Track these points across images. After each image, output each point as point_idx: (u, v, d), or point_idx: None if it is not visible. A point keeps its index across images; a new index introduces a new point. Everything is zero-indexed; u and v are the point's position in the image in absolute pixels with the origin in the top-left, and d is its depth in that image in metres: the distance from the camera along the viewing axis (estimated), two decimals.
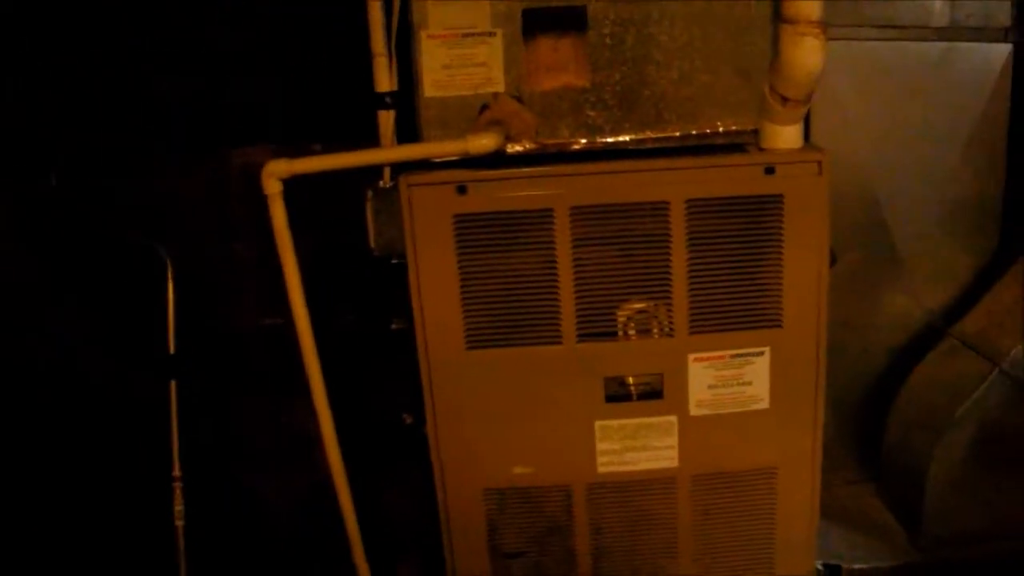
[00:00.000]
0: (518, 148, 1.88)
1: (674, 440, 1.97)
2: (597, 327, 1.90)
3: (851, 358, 2.42)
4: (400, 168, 1.88)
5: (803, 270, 1.89)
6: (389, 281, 1.95)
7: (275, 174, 1.88)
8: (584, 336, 1.90)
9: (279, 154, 1.89)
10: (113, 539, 2.35)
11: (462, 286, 1.87)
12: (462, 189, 1.84)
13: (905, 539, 2.33)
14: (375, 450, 2.21)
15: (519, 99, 1.86)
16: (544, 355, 1.91)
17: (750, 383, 1.95)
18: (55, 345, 2.32)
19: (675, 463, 1.99)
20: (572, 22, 1.83)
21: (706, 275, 1.88)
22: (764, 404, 1.97)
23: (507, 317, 1.89)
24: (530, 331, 1.90)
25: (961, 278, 2.44)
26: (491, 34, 1.81)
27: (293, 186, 1.90)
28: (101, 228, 2.28)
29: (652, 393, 1.95)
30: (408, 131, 1.92)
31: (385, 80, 1.93)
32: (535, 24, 1.82)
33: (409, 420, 2.04)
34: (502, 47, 1.83)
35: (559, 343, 1.90)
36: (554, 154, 1.88)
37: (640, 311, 1.90)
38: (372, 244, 1.93)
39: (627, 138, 1.89)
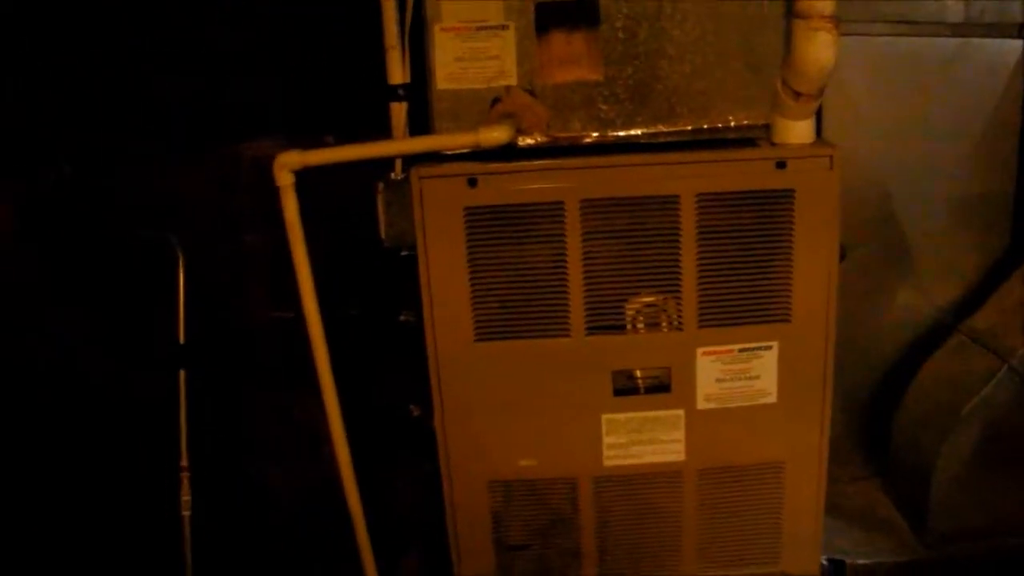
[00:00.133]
0: (530, 141, 1.88)
1: (681, 434, 1.98)
2: (606, 320, 1.90)
3: (860, 353, 2.42)
4: (412, 160, 1.88)
5: (813, 265, 1.89)
6: (399, 273, 1.95)
7: (287, 165, 1.88)
8: (593, 329, 1.90)
9: (291, 147, 1.89)
10: (121, 531, 2.37)
11: (471, 278, 1.87)
12: (473, 182, 1.84)
13: (911, 536, 2.33)
14: (382, 442, 2.21)
15: (531, 92, 1.86)
16: (552, 348, 1.91)
17: (758, 377, 1.95)
18: (60, 342, 2.33)
19: (682, 457, 1.99)
20: (585, 16, 1.83)
21: (715, 269, 1.88)
22: (772, 399, 1.97)
23: (516, 310, 1.90)
24: (539, 324, 1.90)
25: (971, 275, 2.43)
26: (504, 27, 1.81)
27: (305, 178, 1.90)
28: (110, 223, 2.29)
29: (660, 387, 1.95)
30: (420, 124, 1.92)
31: (398, 72, 1.92)
32: (548, 18, 1.82)
33: (417, 412, 2.04)
34: (515, 40, 1.83)
35: (568, 336, 1.90)
36: (566, 147, 1.88)
37: (649, 305, 1.90)
38: (383, 236, 1.93)
39: (639, 132, 1.89)
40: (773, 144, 1.87)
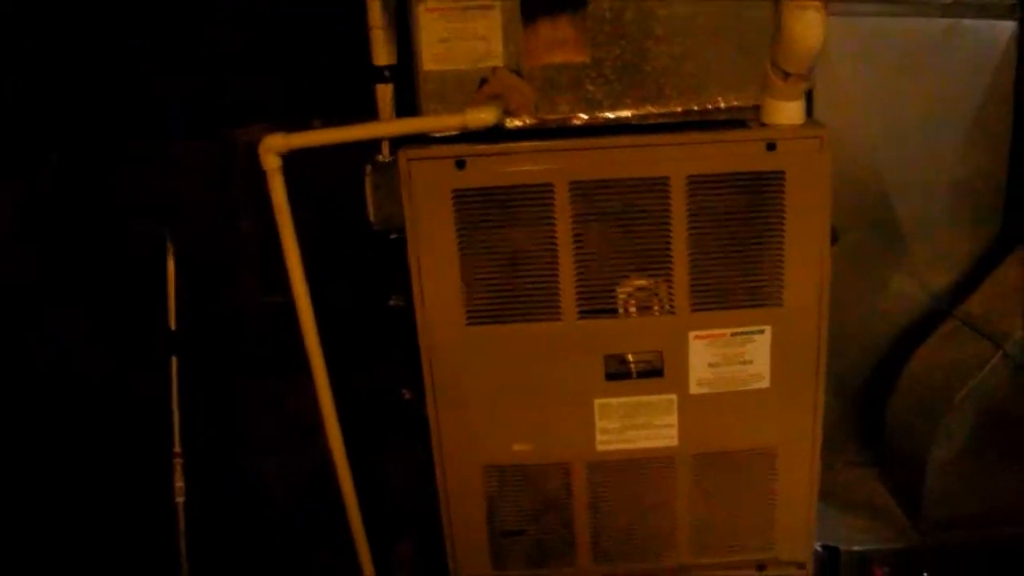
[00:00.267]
0: (517, 123, 1.87)
1: (674, 419, 1.97)
2: (597, 304, 1.89)
3: (853, 339, 2.40)
4: (399, 143, 1.87)
5: (804, 248, 1.88)
6: (388, 256, 1.94)
7: (273, 149, 1.87)
8: (584, 313, 1.89)
9: (278, 131, 1.88)
10: (120, 527, 2.36)
11: (461, 261, 1.86)
12: (461, 164, 1.83)
13: (905, 522, 2.32)
14: (375, 428, 2.21)
15: (518, 73, 1.84)
16: (544, 332, 1.90)
17: (751, 362, 1.94)
18: (59, 342, 2.33)
19: (675, 442, 1.98)
20: None
21: (707, 252, 1.87)
22: (765, 383, 1.96)
23: (507, 293, 1.88)
24: (530, 307, 1.89)
25: (964, 259, 2.41)
26: (490, 7, 1.80)
27: (294, 162, 1.89)
28: (102, 216, 2.28)
29: (652, 371, 1.94)
30: (407, 106, 1.91)
31: (383, 54, 1.91)
32: None
33: (408, 395, 2.03)
34: (501, 20, 1.81)
35: (559, 320, 1.89)
36: (554, 129, 1.87)
37: (641, 288, 1.89)
38: (371, 219, 1.92)
39: (628, 113, 1.87)
40: (763, 125, 1.86)
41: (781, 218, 1.86)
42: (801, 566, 2.14)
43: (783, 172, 1.84)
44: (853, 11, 2.17)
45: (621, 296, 1.90)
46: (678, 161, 1.83)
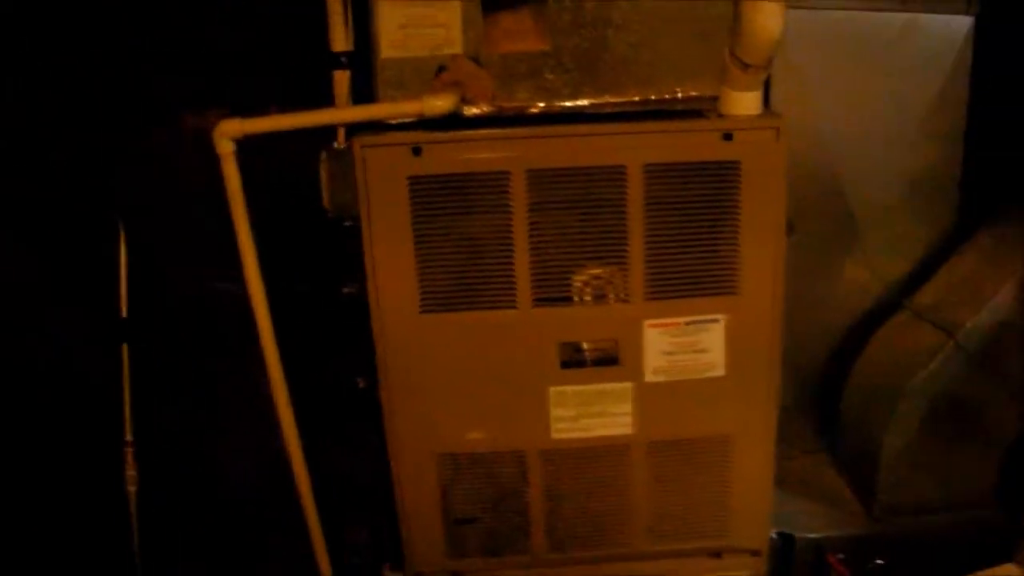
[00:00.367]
0: (475, 111, 1.86)
1: (629, 407, 1.97)
2: (553, 292, 1.89)
3: (808, 329, 2.43)
4: (356, 130, 1.86)
5: (760, 238, 1.88)
6: (343, 244, 1.93)
7: (227, 134, 1.85)
8: (539, 301, 1.89)
9: (235, 116, 1.86)
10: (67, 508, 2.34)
11: (416, 249, 1.85)
12: (417, 151, 1.81)
13: (859, 509, 2.35)
14: (330, 414, 2.20)
15: (477, 61, 1.84)
16: (499, 320, 1.90)
17: (706, 350, 1.94)
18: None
19: (630, 430, 1.99)
20: None
21: (663, 241, 1.87)
22: (720, 371, 1.96)
23: (462, 281, 1.87)
24: (485, 295, 1.88)
25: (919, 250, 2.45)
26: None
27: (250, 148, 1.87)
28: (52, 199, 2.25)
29: (607, 359, 1.94)
30: (366, 95, 1.89)
31: (341, 40, 1.89)
32: None
33: (363, 384, 2.02)
34: (461, 8, 1.81)
35: (514, 308, 1.89)
36: (512, 117, 1.87)
37: (596, 276, 1.89)
38: (326, 206, 1.90)
39: (586, 102, 1.88)
40: (721, 115, 1.86)
41: (737, 207, 1.86)
42: (756, 553, 2.15)
43: (739, 162, 1.84)
44: (813, 4, 2.19)
45: (577, 284, 1.89)
46: (635, 150, 1.82)
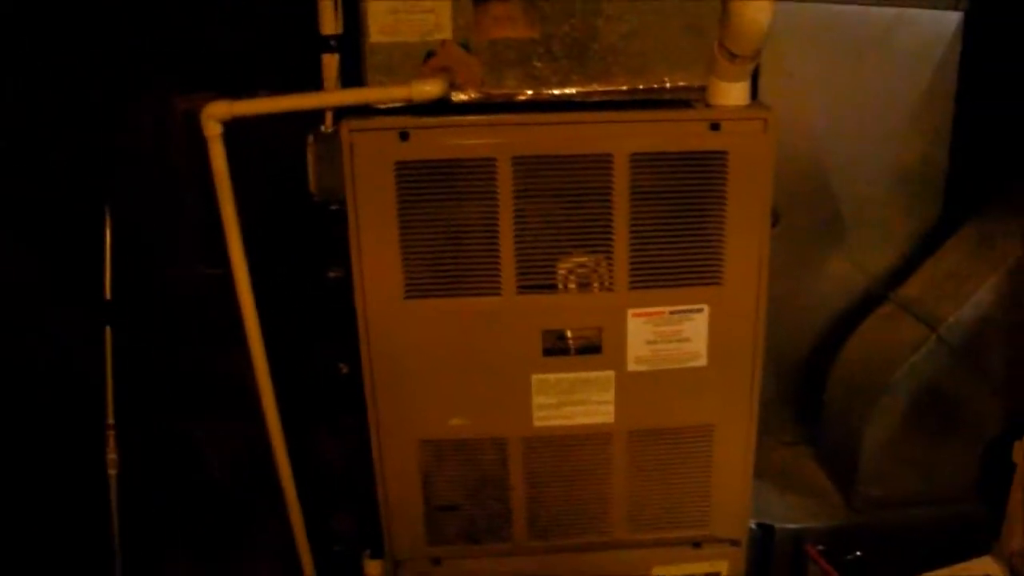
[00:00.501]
0: (463, 97, 1.86)
1: (611, 395, 1.97)
2: (537, 280, 1.89)
3: (792, 320, 2.43)
4: (344, 114, 1.85)
5: (745, 228, 1.89)
6: (329, 228, 1.92)
7: (215, 116, 1.84)
8: (523, 288, 1.89)
9: (223, 99, 1.86)
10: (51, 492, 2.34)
11: (402, 234, 1.85)
12: (405, 136, 1.81)
13: (840, 501, 2.36)
14: (315, 400, 2.19)
15: (466, 48, 1.83)
16: (483, 306, 1.90)
17: (688, 340, 1.95)
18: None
19: (612, 418, 1.99)
20: None
21: (648, 230, 1.87)
22: (702, 361, 1.97)
23: (446, 267, 1.87)
24: (469, 282, 1.88)
25: (904, 244, 2.45)
26: None
27: (238, 132, 1.87)
28: (38, 183, 2.24)
29: (590, 348, 1.94)
30: (355, 80, 1.89)
31: (330, 23, 1.88)
32: None
33: (346, 370, 2.02)
34: None
35: (498, 295, 1.89)
36: (500, 104, 1.86)
37: (581, 265, 1.89)
38: (313, 189, 1.90)
39: (574, 91, 1.87)
40: (708, 106, 1.86)
41: (723, 198, 1.86)
42: (736, 543, 2.16)
43: (726, 152, 1.84)
44: None
45: (561, 272, 1.89)
46: (622, 139, 1.83)
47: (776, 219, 1.94)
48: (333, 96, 1.89)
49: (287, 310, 2.10)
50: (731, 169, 1.85)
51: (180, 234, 2.29)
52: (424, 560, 2.11)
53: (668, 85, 1.88)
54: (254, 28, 2.16)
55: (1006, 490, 2.25)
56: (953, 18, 2.31)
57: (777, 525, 2.28)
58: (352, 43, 1.88)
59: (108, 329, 2.22)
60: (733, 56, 1.78)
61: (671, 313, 1.93)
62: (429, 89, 1.79)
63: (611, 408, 1.98)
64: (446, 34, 1.83)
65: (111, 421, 2.23)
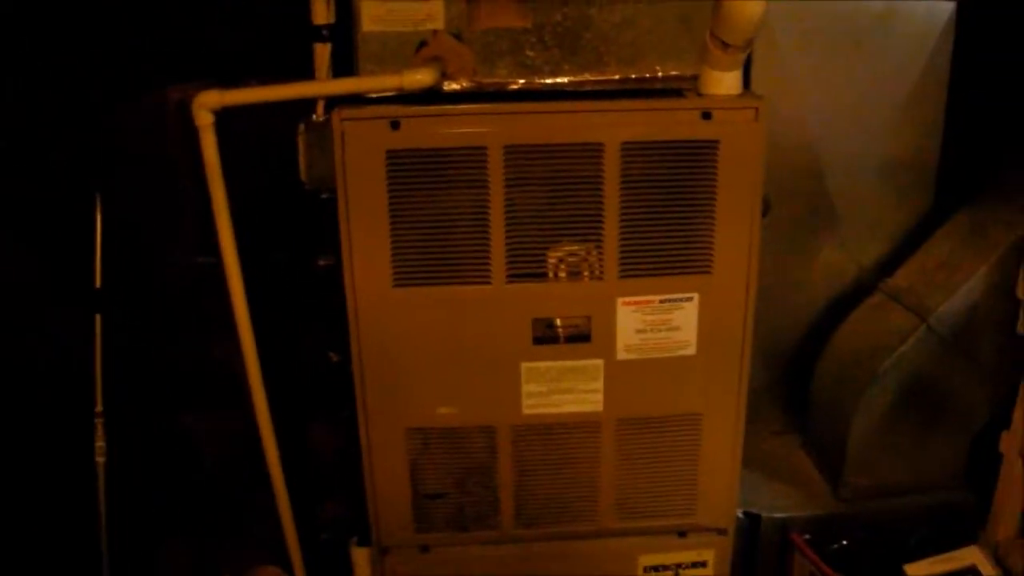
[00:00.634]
0: (455, 86, 1.87)
1: (600, 384, 1.98)
2: (527, 268, 1.89)
3: (782, 310, 2.44)
4: (336, 103, 1.85)
5: (735, 217, 1.89)
6: (320, 216, 1.92)
7: (206, 105, 1.84)
8: (513, 276, 1.89)
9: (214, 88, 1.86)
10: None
11: (392, 222, 1.84)
12: (395, 124, 1.81)
13: (827, 490, 2.37)
14: (305, 388, 2.20)
15: (458, 37, 1.83)
16: (472, 295, 1.90)
17: (678, 329, 1.95)
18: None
19: (600, 407, 2.00)
20: None
21: (638, 219, 1.87)
22: (691, 350, 1.97)
23: (436, 255, 1.87)
24: (459, 270, 1.88)
25: (895, 234, 2.46)
26: None
27: (231, 121, 1.87)
28: (34, 177, 2.24)
29: (580, 336, 1.95)
30: (347, 69, 1.89)
31: (322, 13, 1.87)
32: None
33: (336, 359, 2.02)
34: None
35: (488, 283, 1.89)
36: (491, 93, 1.87)
37: (571, 253, 1.89)
38: (303, 178, 1.89)
39: (566, 80, 1.88)
40: (700, 95, 1.86)
41: (713, 187, 1.86)
42: (722, 532, 2.17)
43: (717, 141, 1.84)
44: None
45: (551, 261, 1.89)
46: (613, 128, 1.82)
47: (767, 208, 1.94)
48: (325, 85, 1.89)
49: (278, 298, 2.11)
50: (722, 158, 1.84)
51: (175, 224, 2.29)
52: (411, 548, 2.12)
53: (660, 74, 1.89)
54: (247, 18, 2.16)
55: (993, 480, 2.27)
56: (946, 8, 2.30)
57: (764, 514, 2.29)
58: (344, 32, 1.88)
59: (98, 317, 2.22)
60: (725, 45, 1.78)
61: (661, 302, 1.93)
62: (421, 78, 1.79)
63: (600, 396, 1.99)
64: (438, 23, 1.83)
65: (99, 409, 2.24)
